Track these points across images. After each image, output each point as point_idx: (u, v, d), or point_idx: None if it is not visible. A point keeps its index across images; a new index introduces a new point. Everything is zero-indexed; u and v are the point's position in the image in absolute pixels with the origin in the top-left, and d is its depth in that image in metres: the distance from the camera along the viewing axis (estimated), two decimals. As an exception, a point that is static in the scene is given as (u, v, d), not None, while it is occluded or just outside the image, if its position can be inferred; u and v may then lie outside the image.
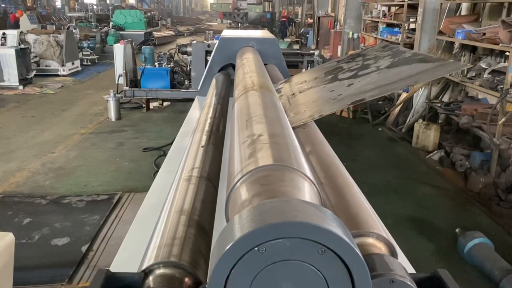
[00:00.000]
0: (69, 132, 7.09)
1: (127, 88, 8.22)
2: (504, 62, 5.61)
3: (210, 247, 1.30)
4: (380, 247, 1.18)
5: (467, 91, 6.50)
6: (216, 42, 8.11)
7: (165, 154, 5.94)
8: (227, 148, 2.45)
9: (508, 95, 4.64)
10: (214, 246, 0.84)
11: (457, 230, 3.60)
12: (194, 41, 8.81)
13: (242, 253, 0.76)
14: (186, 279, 1.09)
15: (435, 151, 6.10)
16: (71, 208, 4.26)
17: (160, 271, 1.10)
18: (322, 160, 1.81)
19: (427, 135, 6.27)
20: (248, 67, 3.18)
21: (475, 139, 5.98)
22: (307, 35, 19.33)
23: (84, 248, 3.49)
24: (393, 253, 1.18)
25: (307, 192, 1.10)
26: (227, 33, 5.92)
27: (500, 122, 4.70)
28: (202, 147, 2.10)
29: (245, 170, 1.19)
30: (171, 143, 6.29)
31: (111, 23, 21.67)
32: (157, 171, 5.34)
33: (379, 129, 7.62)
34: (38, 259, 3.34)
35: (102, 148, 6.34)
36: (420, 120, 6.60)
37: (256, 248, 0.76)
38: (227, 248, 0.76)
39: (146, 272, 1.09)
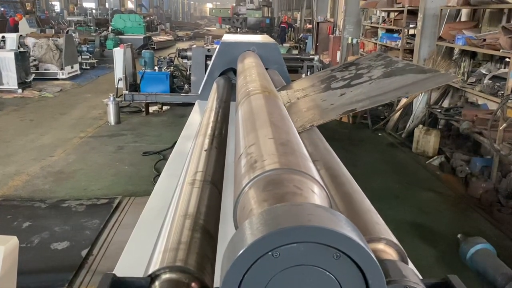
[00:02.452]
0: (68, 136, 7.07)
1: (127, 92, 8.21)
2: (504, 68, 5.63)
3: (216, 252, 1.28)
4: (390, 253, 1.17)
5: (467, 97, 6.51)
6: (216, 46, 8.13)
7: (165, 158, 5.92)
8: (230, 152, 2.44)
9: (509, 101, 4.65)
10: (225, 251, 0.83)
11: (459, 235, 3.57)
12: (194, 46, 8.81)
13: (255, 258, 0.75)
14: (193, 284, 1.07)
15: (435, 157, 6.09)
16: (71, 212, 4.24)
17: (166, 275, 1.08)
18: (327, 166, 1.80)
19: (427, 141, 6.27)
20: (250, 71, 3.17)
21: (475, 145, 5.98)
22: (306, 41, 19.39)
23: (84, 253, 3.46)
24: (404, 259, 1.16)
25: (317, 195, 1.09)
26: (228, 37, 5.93)
27: (501, 128, 4.70)
28: (205, 150, 2.09)
29: (252, 174, 1.17)
30: (171, 147, 6.30)
31: (110, 27, 21.69)
32: (158, 175, 5.32)
33: (379, 134, 7.62)
34: (38, 263, 3.30)
35: (101, 152, 6.31)
36: (420, 126, 6.60)
37: (270, 253, 0.75)
38: (241, 252, 0.75)
39: (152, 277, 1.07)
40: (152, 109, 8.97)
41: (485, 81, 5.49)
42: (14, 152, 6.26)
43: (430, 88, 4.49)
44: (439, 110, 6.50)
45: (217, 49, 5.17)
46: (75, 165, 5.76)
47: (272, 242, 0.74)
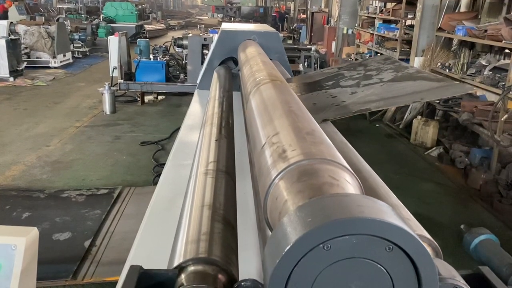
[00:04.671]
0: (63, 125, 6.97)
1: (122, 81, 8.12)
2: (504, 59, 5.64)
3: (237, 242, 1.26)
4: (425, 249, 1.14)
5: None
6: (212, 35, 8.04)
7: (163, 149, 5.87)
8: (238, 142, 2.40)
9: (510, 92, 4.66)
10: (267, 244, 0.80)
11: (462, 226, 3.59)
12: (190, 34, 8.71)
13: (306, 251, 0.73)
14: (220, 276, 1.04)
15: (434, 148, 6.12)
16: (71, 202, 4.18)
17: (193, 267, 1.05)
18: (347, 160, 1.77)
19: (426, 132, 6.29)
20: (256, 60, 3.13)
21: (473, 136, 6.01)
22: (300, 31, 19.30)
23: (87, 243, 3.41)
24: (438, 255, 1.14)
25: (352, 186, 1.06)
26: (228, 26, 5.83)
27: (502, 119, 4.71)
28: (216, 140, 2.06)
29: (283, 164, 1.14)
30: (169, 137, 6.25)
31: (101, 15, 21.39)
32: (157, 165, 5.28)
33: (377, 125, 7.63)
34: (40, 254, 3.23)
35: (98, 142, 6.24)
36: (419, 117, 6.61)
37: (321, 245, 0.72)
38: (290, 245, 0.72)
39: (179, 269, 1.04)
40: (147, 98, 8.88)
41: (485, 72, 5.50)
42: (9, 141, 6.16)
43: (446, 96, 4.57)
44: (438, 101, 6.50)
45: (216, 38, 5.07)
46: (72, 154, 5.69)
47: (324, 234, 0.72)
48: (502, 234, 3.95)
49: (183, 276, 1.03)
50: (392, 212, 0.79)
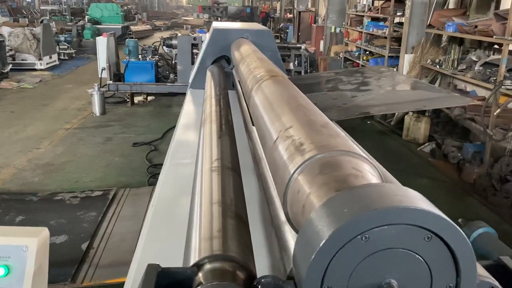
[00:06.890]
0: (53, 128, 6.86)
1: (111, 82, 8.03)
2: (493, 54, 5.70)
3: (251, 238, 1.24)
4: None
5: (456, 84, 6.57)
6: (201, 35, 7.99)
7: (156, 149, 5.81)
8: (239, 138, 2.38)
9: (502, 87, 4.71)
10: (298, 238, 0.78)
11: (460, 220, 3.62)
12: (179, 34, 8.66)
13: (344, 242, 0.70)
14: (238, 272, 1.02)
15: (427, 143, 6.16)
16: (65, 205, 4.11)
17: (211, 265, 1.03)
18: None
19: (418, 128, 6.33)
20: (253, 57, 3.10)
21: (465, 131, 6.06)
22: (287, 30, 19.33)
23: (84, 246, 3.35)
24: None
25: (375, 177, 1.04)
26: (220, 24, 5.79)
27: (494, 114, 4.76)
28: (219, 138, 2.04)
29: (302, 158, 1.11)
30: (162, 138, 6.20)
31: (86, 17, 21.16)
32: (151, 166, 5.23)
33: (368, 122, 7.66)
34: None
35: (90, 144, 6.16)
36: (410, 113, 6.64)
37: (359, 237, 0.70)
38: (328, 237, 0.70)
39: (197, 267, 1.01)
40: (137, 99, 8.79)
41: (476, 68, 5.55)
42: (-3, 144, 6.05)
43: (446, 106, 4.69)
44: (428, 97, 6.53)
45: (209, 37, 5.04)
46: (64, 157, 5.59)
47: (363, 225, 0.70)
48: (498, 227, 3.98)
49: (200, 274, 1.00)
50: (428, 201, 0.78)
